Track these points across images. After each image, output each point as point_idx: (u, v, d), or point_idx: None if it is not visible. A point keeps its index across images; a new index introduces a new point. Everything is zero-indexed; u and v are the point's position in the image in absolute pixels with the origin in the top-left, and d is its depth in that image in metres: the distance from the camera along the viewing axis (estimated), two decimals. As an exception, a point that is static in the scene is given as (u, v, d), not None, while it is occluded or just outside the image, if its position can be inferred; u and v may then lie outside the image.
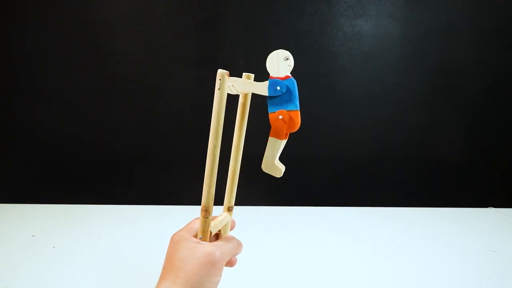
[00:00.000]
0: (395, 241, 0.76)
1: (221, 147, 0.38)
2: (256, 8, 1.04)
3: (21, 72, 1.01)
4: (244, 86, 0.38)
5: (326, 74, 1.08)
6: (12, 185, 1.06)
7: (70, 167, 1.07)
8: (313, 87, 1.08)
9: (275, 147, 0.38)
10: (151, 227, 0.79)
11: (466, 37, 1.09)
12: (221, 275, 0.37)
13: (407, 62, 1.09)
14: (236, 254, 0.41)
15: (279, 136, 0.38)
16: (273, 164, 0.39)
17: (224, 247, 0.38)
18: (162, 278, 0.35)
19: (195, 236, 0.40)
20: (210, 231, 0.39)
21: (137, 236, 0.74)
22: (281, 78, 0.37)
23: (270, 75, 0.37)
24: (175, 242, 0.38)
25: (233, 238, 0.41)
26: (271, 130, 0.38)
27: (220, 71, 0.36)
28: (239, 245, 0.41)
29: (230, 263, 0.42)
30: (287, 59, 0.37)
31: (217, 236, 0.44)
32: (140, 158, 1.08)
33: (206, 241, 0.39)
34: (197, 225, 0.40)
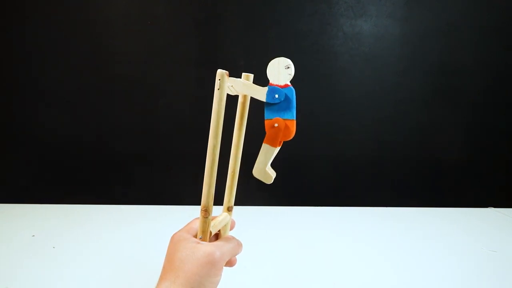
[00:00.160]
0: (395, 241, 0.76)
1: (220, 146, 0.38)
2: (256, 8, 1.04)
3: (21, 72, 1.01)
4: (243, 88, 0.38)
5: (326, 74, 1.08)
6: (12, 185, 1.06)
7: (70, 167, 1.07)
8: (313, 87, 1.08)
9: (268, 153, 0.38)
10: (151, 227, 0.79)
11: (466, 37, 1.09)
12: (221, 275, 0.37)
13: (407, 62, 1.09)
14: (236, 254, 0.41)
15: (273, 144, 0.38)
16: (264, 170, 0.39)
17: (224, 247, 0.38)
18: (162, 278, 0.35)
19: (195, 236, 0.40)
20: (210, 231, 0.39)
21: (137, 236, 0.74)
22: (280, 86, 0.37)
23: (270, 81, 0.37)
24: (175, 242, 0.38)
25: (233, 238, 0.42)
26: (266, 137, 0.38)
27: (219, 71, 0.36)
28: (239, 245, 0.41)
29: (230, 263, 0.42)
30: (288, 67, 0.37)
31: (217, 236, 0.44)
32: (140, 158, 1.08)
33: (206, 241, 0.39)
34: (197, 225, 0.40)
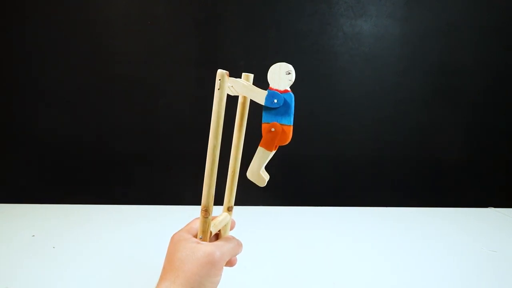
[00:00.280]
0: (395, 241, 0.76)
1: (221, 147, 0.38)
2: (256, 8, 1.04)
3: (21, 72, 1.01)
4: (243, 89, 0.38)
5: (326, 74, 1.08)
6: (12, 185, 1.06)
7: (70, 167, 1.07)
8: (313, 87, 1.08)
9: (263, 157, 0.39)
10: (151, 227, 0.79)
11: (466, 37, 1.09)
12: (221, 275, 0.37)
13: (407, 62, 1.09)
14: (236, 254, 0.41)
15: (268, 147, 0.38)
16: (258, 173, 0.39)
17: (224, 247, 0.38)
18: (162, 278, 0.35)
19: (195, 236, 0.40)
20: (210, 231, 0.39)
21: (137, 236, 0.74)
22: (280, 91, 0.37)
23: (270, 86, 0.38)
24: (175, 242, 0.38)
25: (233, 238, 0.42)
26: (262, 140, 0.38)
27: (219, 71, 0.36)
28: (239, 245, 0.41)
29: (230, 263, 0.42)
30: (289, 73, 0.37)
31: (217, 236, 0.44)
32: (140, 158, 1.08)
33: (206, 241, 0.39)
34: (197, 225, 0.40)
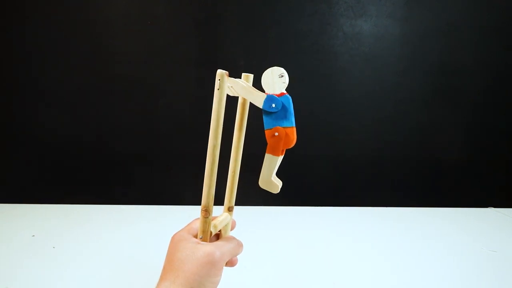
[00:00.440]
0: (395, 241, 0.76)
1: (221, 147, 0.38)
2: (256, 8, 1.04)
3: (21, 72, 1.01)
4: (243, 91, 0.38)
5: (326, 74, 1.08)
6: (12, 185, 1.06)
7: (70, 167, 1.07)
8: (313, 87, 1.08)
9: (272, 163, 0.38)
10: (151, 227, 0.79)
11: (466, 37, 1.09)
12: (221, 275, 0.37)
13: (407, 62, 1.09)
14: (237, 255, 0.41)
15: (275, 153, 0.38)
16: (270, 180, 0.39)
17: (224, 247, 0.38)
18: (162, 278, 0.35)
19: (195, 236, 0.40)
20: (211, 231, 0.39)
21: (137, 236, 0.74)
22: (276, 95, 0.37)
23: (266, 92, 0.38)
24: (175, 242, 0.38)
25: (234, 238, 0.42)
26: (267, 147, 0.38)
27: (219, 71, 0.36)
28: (239, 245, 0.41)
29: (231, 263, 0.42)
30: (282, 76, 0.37)
31: (217, 236, 0.44)
32: (140, 158, 1.08)
33: (206, 241, 0.39)
34: (198, 225, 0.40)
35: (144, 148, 1.08)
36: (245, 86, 0.38)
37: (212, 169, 0.38)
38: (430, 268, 0.65)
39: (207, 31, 1.04)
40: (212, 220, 0.41)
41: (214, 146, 0.37)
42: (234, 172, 0.43)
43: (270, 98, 0.37)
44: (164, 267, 0.37)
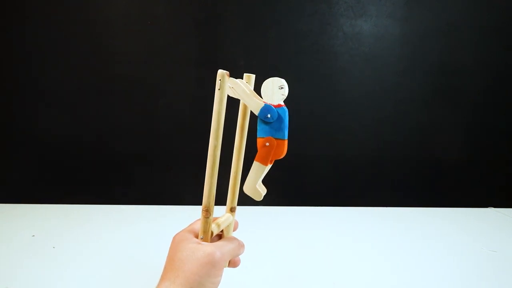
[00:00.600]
0: (395, 241, 0.76)
1: (222, 147, 0.38)
2: (256, 8, 1.04)
3: (21, 72, 1.01)
4: (242, 94, 0.38)
5: (326, 74, 1.08)
6: (12, 185, 1.06)
7: (70, 167, 1.07)
8: (313, 87, 1.08)
9: (259, 171, 0.39)
10: (151, 227, 0.79)
11: (466, 37, 1.09)
12: (221, 275, 0.37)
13: (407, 62, 1.09)
14: (238, 255, 0.41)
15: (263, 162, 0.38)
16: (254, 187, 0.39)
17: (225, 247, 0.38)
18: (162, 278, 0.35)
19: (197, 237, 0.40)
20: (211, 231, 0.39)
21: (137, 236, 0.74)
22: (273, 106, 0.37)
23: (263, 100, 0.38)
24: (176, 242, 0.38)
25: (235, 238, 0.41)
26: (257, 154, 0.39)
27: (220, 71, 0.36)
28: (240, 245, 0.41)
29: (234, 264, 0.42)
30: (282, 88, 0.37)
31: (220, 237, 0.44)
32: (140, 158, 1.08)
33: (207, 241, 0.39)
34: (199, 225, 0.40)
35: (144, 148, 1.08)
36: (246, 90, 0.38)
37: (212, 170, 0.37)
38: (430, 268, 0.65)
39: (207, 31, 1.04)
40: (214, 220, 0.41)
41: (215, 147, 0.37)
42: (236, 173, 0.42)
43: (267, 108, 0.37)
44: (165, 267, 0.37)
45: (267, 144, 0.38)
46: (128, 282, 0.57)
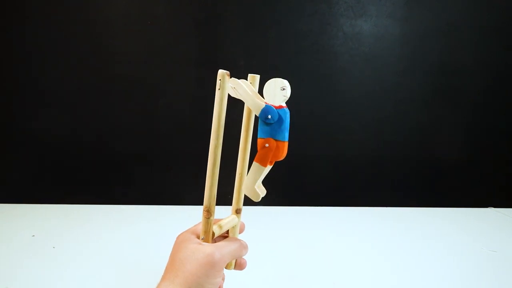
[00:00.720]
0: (395, 241, 0.76)
1: (224, 147, 0.38)
2: (256, 8, 1.04)
3: (21, 72, 1.01)
4: (244, 95, 0.38)
5: (326, 74, 1.08)
6: (12, 185, 1.06)
7: (70, 167, 1.07)
8: (313, 87, 1.08)
9: (258, 172, 0.38)
10: (151, 227, 0.79)
11: (466, 37, 1.09)
12: (221, 276, 0.37)
13: (407, 62, 1.09)
14: (239, 256, 0.41)
15: (262, 163, 0.38)
16: (252, 188, 0.39)
17: (225, 248, 0.38)
18: (163, 278, 0.36)
19: (199, 237, 0.39)
20: (213, 232, 0.39)
21: (137, 236, 0.74)
22: (275, 107, 0.37)
23: (265, 100, 0.37)
24: (178, 243, 0.38)
25: (237, 239, 0.41)
26: (256, 155, 0.38)
27: (220, 71, 0.36)
28: (242, 247, 0.40)
29: (240, 267, 0.42)
30: (284, 89, 0.36)
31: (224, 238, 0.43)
32: (140, 158, 1.08)
33: (208, 242, 0.39)
34: None
35: (144, 148, 1.08)
36: (248, 91, 0.38)
37: (213, 170, 0.37)
38: (430, 268, 0.65)
39: (207, 31, 1.04)
40: (217, 221, 0.40)
41: (216, 147, 0.37)
42: (241, 174, 0.42)
43: (267, 109, 0.37)
44: (166, 267, 0.37)
45: (267, 145, 0.37)
46: (128, 282, 0.57)
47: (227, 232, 0.44)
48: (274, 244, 0.72)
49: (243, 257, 0.43)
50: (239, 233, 0.45)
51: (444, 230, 0.83)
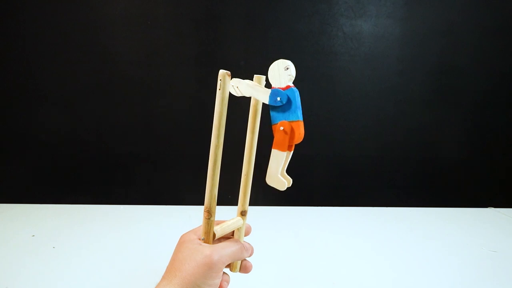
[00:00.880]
0: (395, 241, 0.76)
1: (224, 147, 0.37)
2: (256, 8, 1.04)
3: (21, 72, 1.01)
4: (248, 89, 0.37)
5: (326, 74, 1.08)
6: (12, 185, 1.06)
7: (70, 167, 1.07)
8: (313, 87, 1.08)
9: (278, 159, 0.37)
10: (151, 227, 0.79)
11: (466, 37, 1.09)
12: (219, 277, 0.36)
13: (407, 62, 1.09)
14: (240, 259, 0.40)
15: (281, 148, 0.37)
16: (276, 176, 0.37)
17: (224, 250, 0.37)
18: (162, 277, 0.36)
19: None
20: (214, 233, 0.39)
21: (137, 236, 0.74)
22: (282, 88, 0.36)
23: (272, 85, 0.37)
24: (180, 243, 0.38)
25: (238, 241, 0.41)
26: (274, 142, 0.37)
27: (221, 71, 0.36)
28: (242, 249, 0.40)
29: (245, 270, 0.42)
30: (287, 68, 0.36)
31: None
32: (140, 158, 1.08)
33: (208, 243, 0.39)
34: None
35: (144, 148, 1.08)
36: (250, 84, 0.37)
37: (214, 170, 0.37)
38: (430, 268, 0.65)
39: (207, 31, 1.04)
40: (219, 223, 0.40)
41: (216, 147, 0.37)
42: (247, 175, 0.41)
43: (274, 92, 0.36)
44: (167, 266, 0.37)
45: (281, 128, 0.36)
46: (128, 282, 0.57)
47: (233, 234, 0.43)
48: (274, 244, 0.72)
49: (248, 260, 0.43)
50: (245, 235, 0.44)
51: (444, 230, 0.83)
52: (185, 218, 0.85)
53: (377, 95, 1.10)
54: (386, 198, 1.13)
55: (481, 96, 1.12)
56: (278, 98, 0.36)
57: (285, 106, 0.36)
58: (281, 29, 1.05)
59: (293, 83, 0.36)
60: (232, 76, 0.37)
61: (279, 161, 0.37)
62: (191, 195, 1.04)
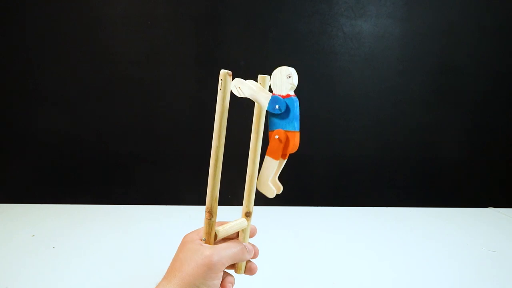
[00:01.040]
0: (395, 241, 0.76)
1: (225, 147, 0.37)
2: (256, 8, 1.04)
3: (21, 72, 1.01)
4: (249, 92, 0.37)
5: (326, 74, 1.08)
6: (12, 185, 1.06)
7: (70, 167, 1.07)
8: (313, 87, 1.08)
9: (270, 166, 0.37)
10: (151, 227, 0.79)
11: (466, 37, 1.09)
12: (219, 278, 0.36)
13: (407, 62, 1.09)
14: (240, 260, 0.40)
15: (274, 156, 0.36)
16: (265, 183, 0.37)
17: (225, 251, 0.37)
18: (163, 277, 0.36)
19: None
20: (215, 234, 0.38)
21: (137, 236, 0.74)
22: (282, 97, 0.35)
23: (273, 92, 0.36)
24: (183, 243, 0.38)
25: (239, 243, 0.40)
26: (268, 149, 0.37)
27: (222, 71, 0.35)
28: (244, 250, 0.40)
29: (250, 271, 0.42)
30: (290, 77, 0.35)
31: None
32: (140, 158, 1.08)
33: (209, 243, 0.38)
34: None
35: (144, 148, 1.08)
36: (252, 87, 0.37)
37: (215, 170, 0.37)
38: (430, 268, 0.65)
39: (207, 31, 1.04)
40: (222, 223, 0.40)
41: (217, 147, 0.37)
42: (251, 176, 0.41)
43: (274, 99, 0.35)
44: (168, 266, 0.37)
45: (277, 137, 0.36)
46: (128, 282, 0.57)
47: (237, 235, 0.43)
48: (274, 244, 0.72)
49: (253, 262, 0.43)
50: (250, 237, 0.43)
51: (444, 230, 0.83)
52: (185, 218, 0.85)
53: (377, 95, 1.10)
54: (386, 198, 1.13)
55: (481, 96, 1.12)
56: (277, 106, 0.35)
57: (283, 115, 0.35)
58: (281, 29, 1.05)
59: (296, 86, 0.36)
60: (232, 76, 0.37)
61: (271, 169, 0.37)
62: (191, 195, 1.05)
